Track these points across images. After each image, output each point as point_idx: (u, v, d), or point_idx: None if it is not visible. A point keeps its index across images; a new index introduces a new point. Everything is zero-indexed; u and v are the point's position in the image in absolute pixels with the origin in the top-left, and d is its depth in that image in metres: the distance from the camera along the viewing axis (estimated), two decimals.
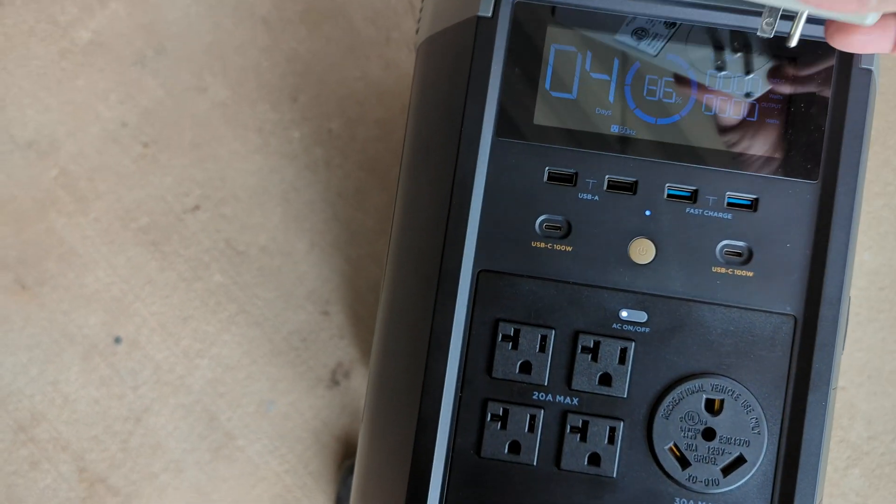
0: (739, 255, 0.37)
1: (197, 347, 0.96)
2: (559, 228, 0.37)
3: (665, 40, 0.37)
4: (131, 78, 0.97)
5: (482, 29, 0.37)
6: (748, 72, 0.37)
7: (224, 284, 0.96)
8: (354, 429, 0.95)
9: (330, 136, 0.98)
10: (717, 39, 0.37)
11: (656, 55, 0.37)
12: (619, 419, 0.37)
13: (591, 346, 0.37)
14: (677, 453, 0.37)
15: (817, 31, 0.36)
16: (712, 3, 0.37)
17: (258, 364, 0.96)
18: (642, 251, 0.37)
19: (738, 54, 0.37)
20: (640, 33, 0.37)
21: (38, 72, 0.97)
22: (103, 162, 0.97)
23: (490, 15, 0.37)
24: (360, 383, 0.94)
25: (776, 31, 0.32)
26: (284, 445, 0.95)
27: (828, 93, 0.37)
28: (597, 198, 0.37)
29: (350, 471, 0.92)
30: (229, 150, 0.97)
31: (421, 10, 0.42)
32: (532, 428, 0.37)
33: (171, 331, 0.96)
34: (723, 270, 0.37)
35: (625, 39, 0.37)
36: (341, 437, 0.95)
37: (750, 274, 0.37)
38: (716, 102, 0.37)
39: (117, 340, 0.96)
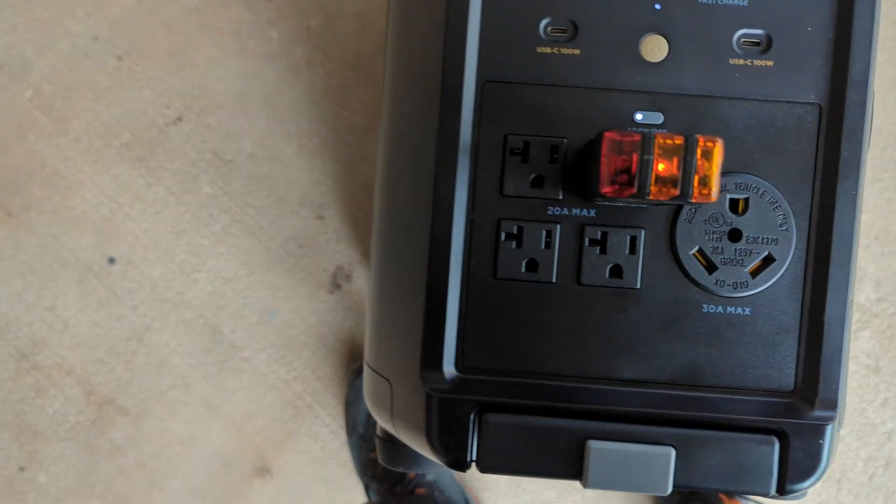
0: (757, 43, 0.35)
1: (193, 262, 0.94)
2: (565, 31, 0.35)
3: None
4: None
5: None
6: None
7: (214, 196, 0.93)
8: (360, 331, 0.94)
9: (309, 34, 0.94)
10: None
11: None
12: (640, 227, 0.35)
13: None
14: (702, 259, 0.35)
15: None
16: None
17: (257, 274, 0.94)
18: (654, 48, 0.35)
19: None
20: None
21: None
22: (78, 79, 0.93)
23: None
24: (361, 286, 0.92)
25: None
26: (291, 353, 0.94)
27: None
28: None
29: (358, 373, 0.91)
30: (207, 56, 0.93)
31: None
32: (549, 244, 0.35)
33: (164, 247, 0.94)
34: (741, 62, 0.35)
35: None
36: (347, 339, 0.94)
37: (770, 63, 0.35)
38: None
39: (111, 261, 0.94)
